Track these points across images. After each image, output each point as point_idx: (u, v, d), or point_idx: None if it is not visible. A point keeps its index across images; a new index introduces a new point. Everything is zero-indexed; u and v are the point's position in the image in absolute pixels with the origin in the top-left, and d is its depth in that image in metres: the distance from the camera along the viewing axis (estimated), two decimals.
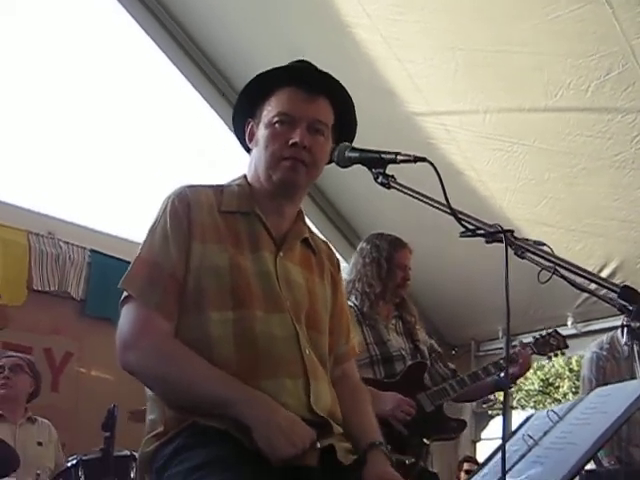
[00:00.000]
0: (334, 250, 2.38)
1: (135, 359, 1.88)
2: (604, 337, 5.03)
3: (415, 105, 5.60)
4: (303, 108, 2.08)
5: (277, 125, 2.06)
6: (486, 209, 5.90)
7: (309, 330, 2.04)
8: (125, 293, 1.96)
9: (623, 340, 4.97)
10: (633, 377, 4.71)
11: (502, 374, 3.91)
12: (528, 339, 4.32)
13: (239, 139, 2.25)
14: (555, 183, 5.65)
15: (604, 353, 4.95)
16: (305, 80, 2.10)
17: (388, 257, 3.93)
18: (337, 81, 2.15)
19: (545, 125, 5.27)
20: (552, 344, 4.22)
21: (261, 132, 2.10)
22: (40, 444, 4.67)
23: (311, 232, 2.27)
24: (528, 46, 4.78)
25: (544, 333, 4.25)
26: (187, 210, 2.00)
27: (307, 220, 2.27)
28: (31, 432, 4.69)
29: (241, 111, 2.20)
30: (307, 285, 2.11)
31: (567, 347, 4.36)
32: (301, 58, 2.22)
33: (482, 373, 3.92)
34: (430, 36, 5.04)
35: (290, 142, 2.03)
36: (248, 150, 2.21)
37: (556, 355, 4.41)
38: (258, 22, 5.74)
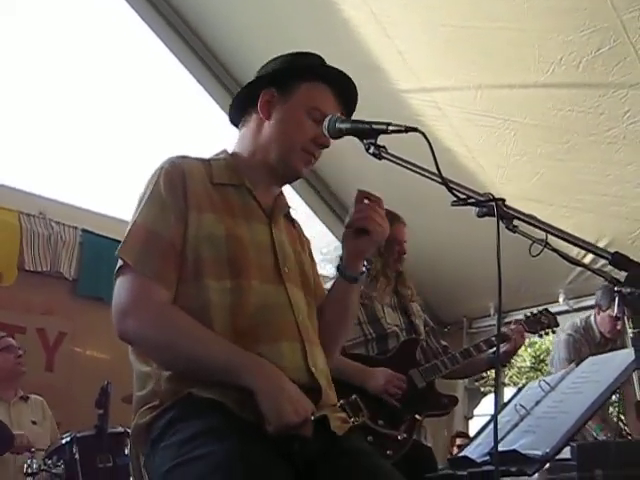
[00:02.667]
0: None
1: (134, 327, 1.87)
2: (577, 320, 5.11)
3: (405, 82, 5.58)
4: (334, 112, 2.08)
5: (311, 117, 2.09)
6: (477, 186, 5.83)
7: (306, 295, 2.09)
8: (120, 262, 1.94)
9: (595, 327, 5.05)
10: None
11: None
12: (519, 316, 4.34)
13: (240, 100, 2.21)
14: (546, 159, 5.64)
15: (578, 336, 5.04)
16: (342, 87, 2.16)
17: None
18: (357, 98, 2.21)
19: (536, 101, 5.25)
20: (543, 322, 4.24)
21: (290, 113, 2.11)
22: (34, 423, 4.69)
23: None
24: (519, 22, 4.76)
25: (535, 311, 4.28)
26: (182, 178, 2.00)
27: (296, 194, 2.32)
28: (25, 410, 4.72)
29: (268, 77, 2.17)
30: (295, 254, 2.15)
31: (558, 325, 4.39)
32: (301, 50, 2.23)
33: (474, 350, 3.94)
34: (420, 13, 5.01)
35: (320, 142, 2.09)
36: (237, 115, 2.22)
37: (547, 334, 4.44)
38: (246, 2, 5.72)
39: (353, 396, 2.11)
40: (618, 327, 4.99)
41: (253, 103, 2.15)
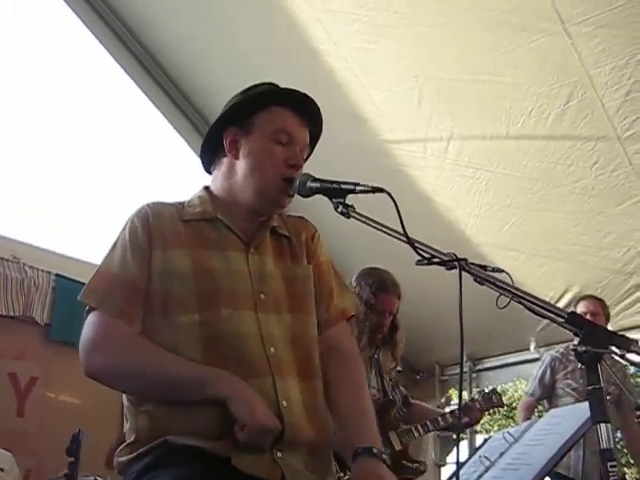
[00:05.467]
0: (309, 224, 2.32)
1: (101, 360, 1.91)
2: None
3: (383, 132, 5.67)
4: (300, 131, 2.13)
5: (276, 142, 2.08)
6: (451, 234, 5.97)
7: (295, 314, 2.05)
8: (87, 307, 1.98)
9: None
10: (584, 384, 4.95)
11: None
12: (492, 363, 4.45)
13: (207, 146, 2.21)
14: (517, 209, 5.74)
15: (557, 355, 5.21)
16: (301, 106, 2.14)
17: (367, 301, 3.92)
18: (320, 114, 2.20)
19: (507, 152, 5.36)
20: (494, 402, 4.36)
21: (256, 143, 2.09)
22: (2, 470, 4.63)
23: (282, 216, 2.24)
24: (491, 74, 4.88)
25: (487, 390, 4.46)
26: (147, 224, 2.03)
27: None
28: None
29: (225, 118, 2.17)
30: (282, 274, 2.10)
31: (503, 406, 4.52)
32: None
33: (441, 420, 4.08)
34: (395, 64, 5.12)
35: (291, 163, 2.06)
36: (208, 161, 2.22)
37: (495, 412, 4.59)
38: (225, 50, 5.80)
39: None
40: None
41: (221, 147, 2.16)
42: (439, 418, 4.08)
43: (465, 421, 4.17)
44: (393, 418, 3.91)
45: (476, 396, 4.38)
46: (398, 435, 3.83)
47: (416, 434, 3.94)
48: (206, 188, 2.21)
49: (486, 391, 4.44)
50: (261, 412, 1.80)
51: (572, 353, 5.24)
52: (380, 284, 3.98)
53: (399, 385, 4.24)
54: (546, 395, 5.31)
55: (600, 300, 5.36)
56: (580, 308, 5.22)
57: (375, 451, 1.90)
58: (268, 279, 2.06)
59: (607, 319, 5.24)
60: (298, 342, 2.03)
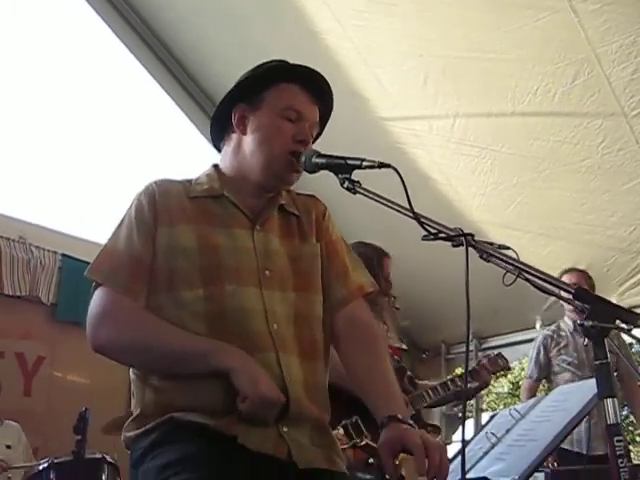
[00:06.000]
0: (319, 202, 2.30)
1: (107, 334, 1.92)
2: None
3: (385, 110, 5.66)
4: (309, 109, 2.12)
5: (286, 118, 2.08)
6: (455, 213, 5.96)
7: (299, 292, 2.04)
8: (94, 284, 2.00)
9: (567, 326, 5.19)
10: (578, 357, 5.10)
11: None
12: (499, 342, 4.42)
13: (216, 123, 2.22)
14: (523, 188, 5.72)
15: (549, 333, 5.27)
16: (311, 83, 2.14)
17: (378, 264, 3.97)
18: (331, 91, 2.19)
19: (513, 130, 5.34)
20: (500, 364, 4.31)
21: (264, 118, 2.09)
22: (9, 447, 4.67)
23: (291, 194, 2.24)
24: (497, 53, 4.85)
25: (491, 354, 4.37)
26: (152, 201, 2.04)
27: None
28: None
29: (234, 94, 2.16)
30: (288, 252, 2.09)
31: (509, 369, 4.50)
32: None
33: (451, 384, 4.01)
34: (400, 42, 5.10)
35: (299, 138, 2.06)
36: (218, 137, 2.23)
37: (504, 375, 4.57)
38: (229, 29, 5.78)
39: (354, 418, 2.10)
40: None
41: (229, 124, 2.16)
42: (448, 382, 4.04)
43: (475, 385, 4.11)
44: (406, 384, 3.91)
45: (483, 360, 4.34)
46: (409, 401, 3.83)
47: (427, 399, 3.92)
48: (215, 166, 2.21)
49: (492, 355, 4.40)
50: (264, 384, 1.81)
51: (563, 328, 5.31)
52: (380, 250, 4.04)
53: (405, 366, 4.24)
54: (545, 374, 5.33)
55: (583, 272, 5.37)
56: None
57: (402, 418, 1.88)
58: (273, 256, 2.06)
59: (592, 290, 5.25)
60: (301, 321, 2.02)
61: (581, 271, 5.37)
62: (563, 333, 5.27)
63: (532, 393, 5.40)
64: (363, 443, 2.14)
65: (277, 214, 2.15)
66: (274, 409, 1.82)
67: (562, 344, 5.22)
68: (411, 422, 1.88)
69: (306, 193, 2.29)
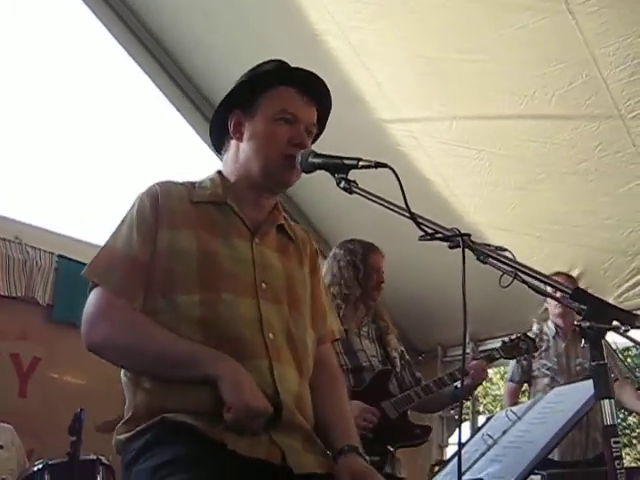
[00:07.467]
0: (312, 239, 2.36)
1: (101, 333, 1.93)
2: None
3: (383, 112, 5.66)
4: (304, 111, 2.13)
5: (280, 122, 2.09)
6: (453, 216, 5.96)
7: (291, 311, 2.07)
8: (90, 283, 2.00)
9: (550, 330, 5.13)
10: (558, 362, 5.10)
11: (458, 385, 3.94)
12: (496, 344, 4.37)
13: (215, 130, 2.24)
14: (520, 190, 5.72)
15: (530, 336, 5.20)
16: (308, 85, 2.14)
17: (363, 259, 3.97)
18: (329, 92, 2.20)
19: (510, 133, 5.34)
20: (521, 347, 4.22)
21: (258, 125, 2.10)
22: (1, 447, 4.64)
23: (287, 220, 2.27)
24: (494, 55, 4.85)
25: (513, 337, 4.27)
26: (155, 203, 2.04)
27: None
28: None
29: (230, 101, 2.18)
30: (284, 269, 2.12)
31: (537, 350, 4.44)
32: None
33: (448, 379, 3.94)
34: (397, 44, 5.09)
35: (295, 141, 2.07)
36: (218, 143, 2.24)
37: (526, 359, 4.49)
38: (226, 31, 5.77)
39: None
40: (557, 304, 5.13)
41: (227, 129, 2.17)
42: (445, 377, 3.94)
43: (466, 384, 3.98)
44: (390, 387, 3.85)
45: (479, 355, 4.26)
46: (394, 403, 3.78)
47: (416, 398, 3.83)
48: (219, 172, 2.22)
49: (512, 337, 4.27)
50: (248, 392, 1.80)
51: (546, 332, 5.27)
52: (370, 244, 4.05)
53: (412, 367, 4.17)
54: (526, 378, 5.28)
55: (569, 276, 5.40)
56: None
57: (360, 450, 2.00)
58: (270, 270, 2.08)
59: None
60: (293, 340, 2.05)
61: (567, 275, 5.38)
62: (545, 337, 5.23)
63: (515, 397, 5.38)
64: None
65: (275, 232, 2.18)
66: (259, 419, 1.82)
67: (543, 348, 5.15)
68: (366, 458, 2.01)
69: (300, 227, 2.36)
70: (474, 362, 4.02)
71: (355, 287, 3.90)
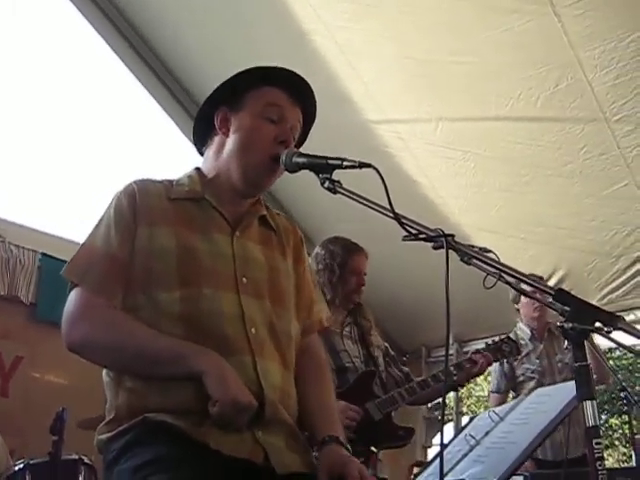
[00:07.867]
0: (298, 228, 2.36)
1: (82, 332, 1.92)
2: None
3: (370, 112, 5.66)
4: (290, 110, 2.13)
5: (265, 119, 2.09)
6: (438, 217, 5.97)
7: (274, 306, 2.06)
8: (70, 283, 2.00)
9: (525, 334, 5.18)
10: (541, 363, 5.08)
11: (455, 376, 3.93)
12: (479, 346, 4.37)
13: (199, 127, 2.24)
14: (505, 192, 5.74)
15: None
16: (292, 85, 2.15)
17: (341, 263, 3.93)
18: (314, 94, 2.21)
19: (496, 134, 5.36)
20: (505, 350, 4.22)
21: (245, 119, 2.11)
22: None
23: (270, 211, 2.27)
24: (480, 57, 4.87)
25: (496, 339, 4.25)
26: (132, 201, 2.04)
27: None
28: None
29: (215, 98, 2.18)
30: (267, 262, 2.12)
31: (520, 353, 4.43)
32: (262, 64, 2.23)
33: (432, 380, 3.93)
34: (384, 45, 5.10)
35: (280, 139, 2.07)
36: (201, 141, 2.24)
37: (508, 362, 4.47)
38: (215, 26, 5.76)
39: None
40: (535, 306, 5.11)
41: (212, 127, 2.18)
42: (429, 379, 3.90)
43: (468, 372, 3.94)
44: (374, 388, 3.84)
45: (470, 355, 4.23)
46: (378, 405, 3.77)
47: (400, 400, 3.81)
48: (197, 169, 2.22)
49: (495, 340, 4.24)
50: (234, 387, 1.80)
51: (521, 336, 5.18)
52: (352, 245, 4.01)
53: (398, 363, 4.15)
54: (511, 385, 5.21)
55: (541, 278, 5.34)
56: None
57: (341, 439, 1.99)
58: (252, 264, 2.07)
59: None
60: (276, 333, 2.04)
61: (540, 277, 5.37)
62: (522, 342, 5.12)
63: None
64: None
65: (257, 224, 2.18)
66: (245, 413, 1.81)
67: (523, 352, 5.06)
68: (348, 447, 1.99)
69: (283, 215, 2.34)
70: (479, 355, 4.02)
71: (327, 291, 3.87)
